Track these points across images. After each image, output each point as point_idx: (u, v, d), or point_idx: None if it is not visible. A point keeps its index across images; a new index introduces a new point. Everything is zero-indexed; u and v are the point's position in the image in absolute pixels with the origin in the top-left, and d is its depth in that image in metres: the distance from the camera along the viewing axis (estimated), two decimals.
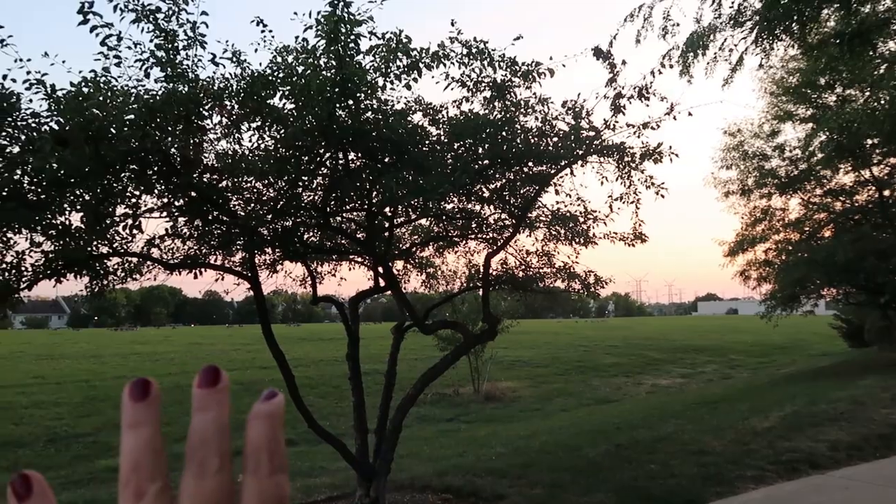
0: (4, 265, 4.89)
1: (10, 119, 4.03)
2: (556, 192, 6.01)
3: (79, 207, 4.59)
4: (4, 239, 4.60)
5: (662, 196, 5.80)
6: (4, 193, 4.00)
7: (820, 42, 9.68)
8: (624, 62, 5.29)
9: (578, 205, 6.24)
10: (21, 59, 3.97)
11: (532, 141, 5.30)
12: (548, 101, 5.33)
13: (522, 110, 5.29)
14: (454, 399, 16.46)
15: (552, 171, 5.68)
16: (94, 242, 4.86)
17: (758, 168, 18.31)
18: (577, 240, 6.59)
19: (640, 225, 6.33)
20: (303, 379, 6.25)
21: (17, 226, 4.26)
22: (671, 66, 8.80)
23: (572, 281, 7.02)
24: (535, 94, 5.28)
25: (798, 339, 34.73)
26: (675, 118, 5.42)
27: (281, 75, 4.61)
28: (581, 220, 6.36)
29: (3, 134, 3.97)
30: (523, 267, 7.10)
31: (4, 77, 4.07)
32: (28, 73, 4.02)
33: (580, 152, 5.45)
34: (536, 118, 5.37)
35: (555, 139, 5.37)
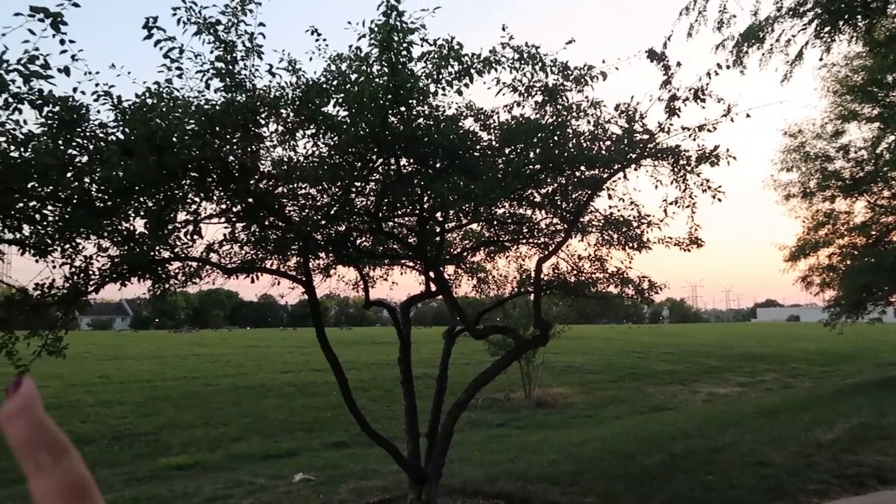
0: (74, 269, 5.12)
1: (79, 130, 4.22)
2: (609, 197, 5.94)
3: (142, 214, 4.77)
4: (74, 244, 4.82)
5: (719, 200, 5.66)
6: (74, 201, 4.18)
7: (888, 38, 9.30)
8: (679, 64, 5.19)
9: (632, 209, 6.16)
10: (90, 73, 4.15)
11: (584, 145, 5.25)
12: (600, 105, 5.27)
13: (574, 114, 5.25)
14: (505, 404, 16.38)
15: (605, 175, 5.61)
16: (157, 247, 5.04)
17: (820, 170, 17.68)
18: (631, 244, 6.49)
19: (695, 229, 6.20)
20: (355, 382, 6.33)
21: (86, 232, 4.45)
22: (727, 64, 8.59)
23: (625, 286, 6.91)
24: (586, 97, 5.24)
25: (864, 348, 33.29)
26: (732, 120, 5.29)
27: (335, 83, 4.69)
28: (635, 224, 6.27)
29: (74, 144, 4.15)
30: (575, 272, 7.03)
31: (75, 90, 4.26)
32: (96, 85, 4.20)
33: (633, 156, 5.36)
34: (588, 122, 5.32)
35: (607, 143, 5.31)
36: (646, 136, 5.30)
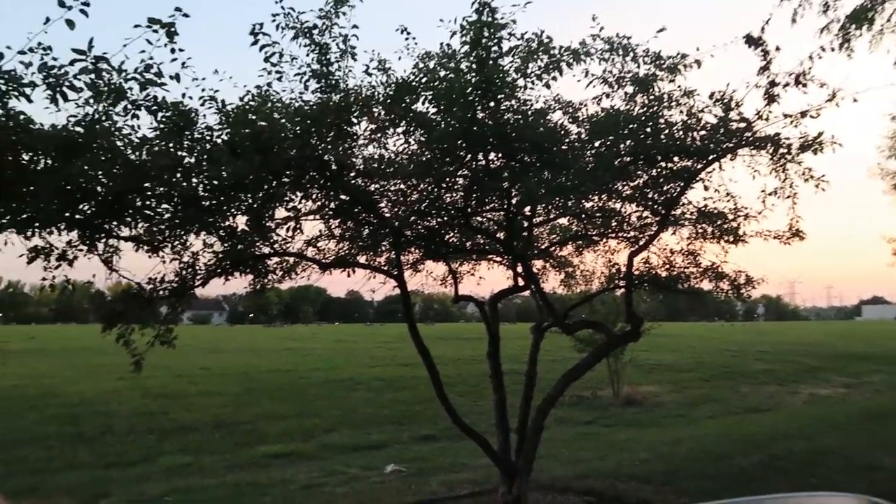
0: (182, 264, 5.46)
1: (188, 133, 4.49)
2: (705, 188, 5.75)
3: (244, 211, 5.03)
4: (183, 241, 5.14)
5: (823, 189, 5.37)
6: (185, 200, 4.46)
7: None
8: (778, 48, 4.96)
9: (727, 201, 5.94)
10: (197, 79, 4.41)
11: (677, 135, 5.11)
12: (693, 94, 5.12)
13: (666, 104, 5.12)
14: (592, 402, 16.13)
15: (699, 167, 5.44)
16: (258, 243, 5.30)
17: None
18: (727, 238, 6.27)
19: (796, 221, 5.91)
20: (442, 377, 6.43)
21: (195, 228, 4.73)
22: (831, 47, 8.13)
23: (720, 281, 6.68)
24: (679, 86, 5.10)
25: None
26: (837, 105, 5.01)
27: (424, 81, 4.78)
28: (730, 216, 6.05)
29: (184, 146, 4.42)
30: (667, 266, 6.85)
31: (183, 95, 4.54)
32: (203, 90, 4.47)
33: (729, 145, 5.18)
34: (681, 112, 5.17)
35: (701, 133, 5.15)
36: (742, 125, 5.10)
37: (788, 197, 5.51)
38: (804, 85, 4.93)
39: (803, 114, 5.04)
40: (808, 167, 5.25)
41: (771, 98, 5.01)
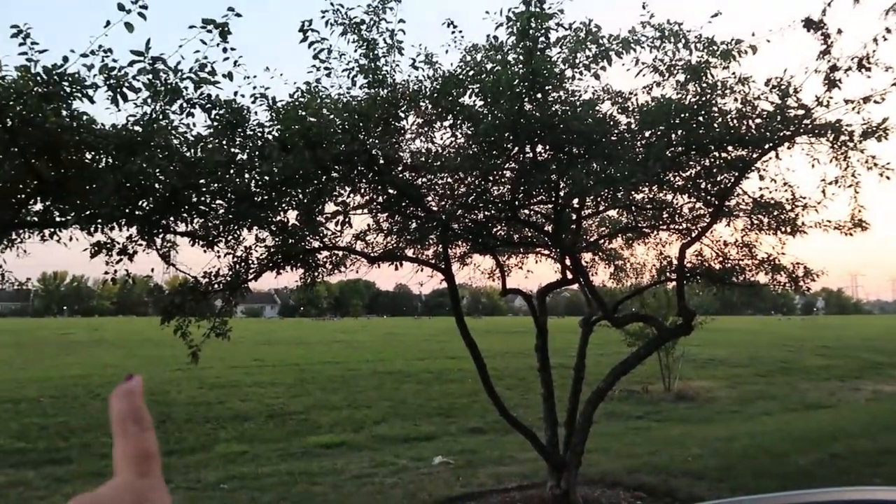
0: (236, 259, 5.61)
1: (240, 130, 4.61)
2: (760, 178, 5.58)
3: (295, 206, 5.13)
4: (237, 235, 5.28)
5: (888, 178, 5.16)
6: (238, 196, 4.57)
7: None
8: (839, 31, 4.77)
9: (785, 190, 5.76)
10: (248, 77, 4.51)
11: (731, 124, 4.97)
12: (748, 81, 4.97)
13: (720, 92, 4.98)
14: (643, 397, 15.88)
15: (754, 156, 5.29)
16: (308, 237, 5.40)
17: None
18: (784, 229, 6.07)
19: (859, 211, 5.68)
20: (489, 370, 6.44)
21: (247, 223, 4.85)
22: None
23: (777, 274, 6.49)
24: (733, 73, 4.95)
25: None
26: None
27: (471, 73, 4.77)
28: (788, 207, 5.86)
29: (236, 143, 4.54)
30: (720, 259, 6.68)
31: (235, 93, 4.65)
32: (254, 88, 4.57)
33: (787, 133, 5.01)
34: (736, 99, 5.03)
35: (757, 121, 4.99)
36: (801, 112, 4.92)
37: (850, 186, 5.31)
38: (868, 69, 4.72)
39: (866, 99, 4.84)
40: (871, 155, 5.05)
41: (832, 83, 4.82)
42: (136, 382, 0.54)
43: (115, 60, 3.88)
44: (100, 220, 4.28)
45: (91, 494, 0.48)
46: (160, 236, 5.04)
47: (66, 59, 3.82)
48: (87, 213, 4.18)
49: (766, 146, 5.11)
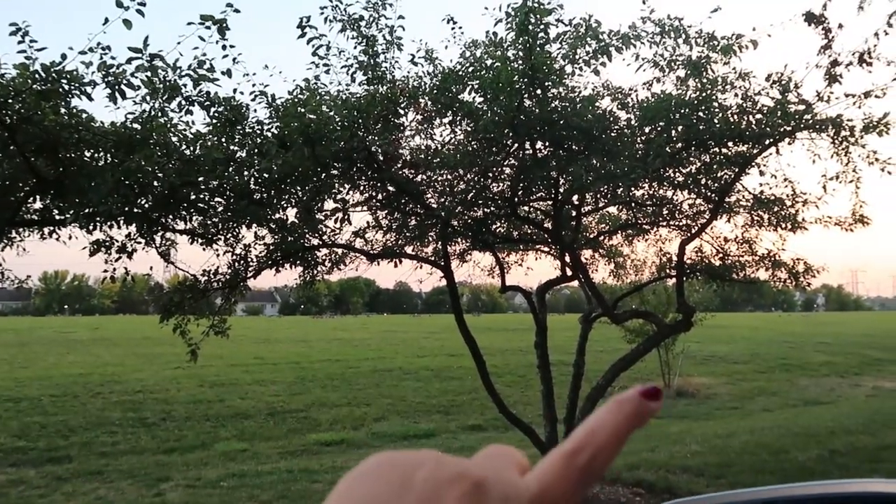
0: (235, 256, 5.60)
1: (239, 127, 4.59)
2: (761, 174, 5.57)
3: (294, 204, 5.12)
4: (236, 233, 5.27)
5: (889, 173, 5.15)
6: (237, 193, 4.56)
7: None
8: (840, 26, 4.76)
9: (785, 186, 5.75)
10: (247, 74, 4.50)
11: (731, 120, 4.96)
12: (749, 76, 4.96)
13: (720, 87, 4.97)
14: None
15: (754, 152, 5.27)
16: (307, 235, 5.39)
17: None
18: (784, 225, 6.06)
19: (860, 206, 5.67)
20: (489, 367, 6.44)
21: (246, 221, 4.84)
22: None
23: (777, 270, 6.48)
24: (734, 68, 4.94)
25: None
26: None
27: (470, 70, 4.76)
28: (788, 203, 5.85)
29: (235, 140, 4.52)
30: (721, 255, 6.68)
31: (234, 91, 4.64)
32: (253, 85, 4.55)
33: (787, 129, 5.00)
34: (736, 95, 5.02)
35: (758, 116, 4.98)
36: (802, 107, 4.91)
37: (851, 181, 5.30)
38: (869, 64, 4.71)
39: (867, 94, 4.83)
40: (872, 150, 5.04)
41: (832, 78, 4.81)
42: (655, 407, 0.38)
43: (113, 58, 3.87)
44: (99, 218, 4.27)
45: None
46: (159, 234, 5.03)
47: (64, 56, 3.81)
48: (86, 210, 4.17)
49: (767, 142, 5.10)
